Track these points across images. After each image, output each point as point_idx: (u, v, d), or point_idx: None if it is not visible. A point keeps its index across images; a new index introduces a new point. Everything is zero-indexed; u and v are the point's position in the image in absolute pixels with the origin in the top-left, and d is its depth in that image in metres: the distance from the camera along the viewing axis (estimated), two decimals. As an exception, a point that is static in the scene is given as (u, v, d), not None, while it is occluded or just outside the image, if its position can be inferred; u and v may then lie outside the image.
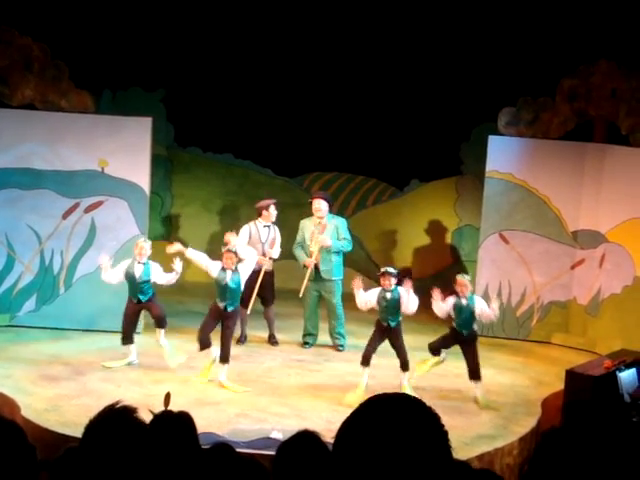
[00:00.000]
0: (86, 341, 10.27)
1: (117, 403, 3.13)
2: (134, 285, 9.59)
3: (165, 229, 14.16)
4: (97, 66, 12.58)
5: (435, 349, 9.25)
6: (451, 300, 9.16)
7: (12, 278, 10.95)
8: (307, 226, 10.81)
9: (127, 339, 9.64)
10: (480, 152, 12.00)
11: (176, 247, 9.41)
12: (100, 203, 10.90)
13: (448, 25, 12.73)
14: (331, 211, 10.91)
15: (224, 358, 9.17)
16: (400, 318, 9.24)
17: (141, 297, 9.63)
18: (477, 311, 9.12)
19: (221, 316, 9.28)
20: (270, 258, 10.67)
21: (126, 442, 3.01)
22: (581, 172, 11.51)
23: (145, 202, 10.98)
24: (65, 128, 10.83)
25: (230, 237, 9.44)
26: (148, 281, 9.61)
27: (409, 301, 9.08)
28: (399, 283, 9.11)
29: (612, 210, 11.22)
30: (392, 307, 9.10)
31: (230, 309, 9.30)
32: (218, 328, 9.35)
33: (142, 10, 12.93)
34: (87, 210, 10.91)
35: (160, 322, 9.65)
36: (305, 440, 3.28)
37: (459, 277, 9.26)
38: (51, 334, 10.62)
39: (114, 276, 9.62)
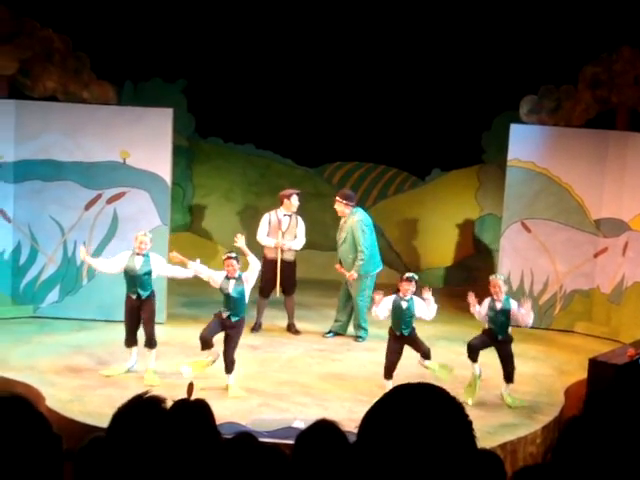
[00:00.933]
0: (109, 331, 10.30)
1: (146, 393, 3.13)
2: (134, 278, 9.06)
3: (187, 220, 14.20)
4: (118, 57, 12.61)
5: (474, 350, 8.94)
6: (487, 303, 9.00)
7: (35, 269, 11.02)
8: (340, 225, 10.90)
9: (130, 341, 9.19)
10: (502, 141, 11.96)
11: (177, 257, 9.04)
12: (122, 194, 10.94)
13: (471, 13, 12.68)
14: (357, 205, 10.92)
15: (228, 369, 8.80)
16: (413, 325, 9.08)
17: (141, 292, 9.09)
18: (513, 314, 8.96)
19: (224, 325, 8.91)
20: (289, 249, 10.68)
21: (153, 432, 3.01)
22: (604, 160, 11.44)
23: (167, 193, 11.01)
24: (87, 119, 10.87)
25: (239, 239, 9.13)
26: (149, 273, 9.12)
27: (429, 309, 8.98)
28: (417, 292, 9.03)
29: (635, 198, 11.15)
30: (406, 317, 8.99)
31: (234, 319, 8.89)
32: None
33: (164, 1, 12.95)
34: (109, 201, 10.95)
35: (149, 338, 9.12)
36: (323, 429, 3.28)
37: (492, 278, 9.08)
38: (74, 325, 10.68)
39: (111, 265, 9.17)
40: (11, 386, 8.84)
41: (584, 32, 11.68)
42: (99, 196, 10.94)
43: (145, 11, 12.86)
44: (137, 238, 9.14)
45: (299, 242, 10.79)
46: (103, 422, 8.07)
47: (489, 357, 9.14)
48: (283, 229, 10.74)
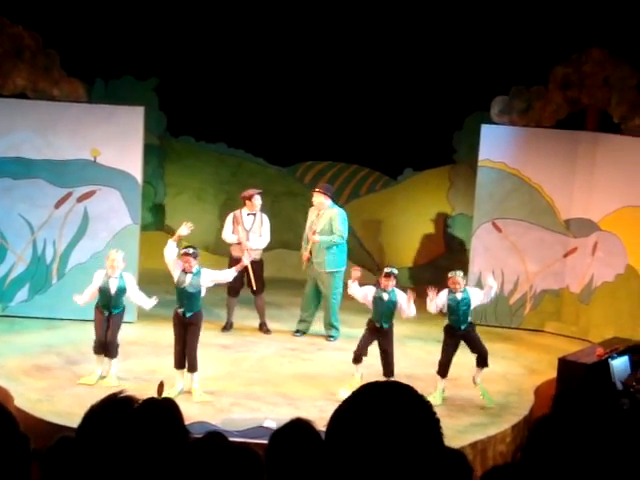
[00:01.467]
0: (79, 331, 10.22)
1: (120, 392, 3.10)
2: (108, 298, 8.99)
3: (158, 218, 14.13)
4: (89, 54, 12.53)
5: (446, 364, 8.95)
6: (443, 296, 9.06)
7: (4, 268, 10.93)
8: (310, 217, 10.86)
9: (99, 348, 9.02)
10: (473, 141, 12.01)
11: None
12: (92, 192, 10.88)
13: (441, 14, 12.70)
14: (335, 202, 10.92)
15: (191, 367, 8.68)
16: (393, 321, 9.13)
17: (113, 310, 9.04)
18: (475, 301, 9.05)
19: (182, 323, 8.81)
20: (254, 249, 10.62)
21: (123, 432, 2.99)
22: (574, 160, 11.51)
23: (137, 191, 10.96)
24: (57, 117, 10.80)
25: (182, 228, 9.11)
26: (123, 293, 9.11)
27: (410, 307, 9.02)
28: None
29: (604, 198, 11.23)
30: (388, 309, 9.04)
31: (188, 315, 8.79)
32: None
33: (134, -2, 12.89)
34: (79, 199, 10.88)
35: (111, 349, 9.01)
36: (298, 428, 3.28)
37: (451, 274, 9.14)
38: (44, 324, 10.61)
39: (89, 294, 9.10)
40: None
41: (554, 33, 11.74)
42: (69, 194, 10.86)
43: (116, 8, 12.78)
44: (109, 257, 9.08)
45: (264, 240, 10.77)
46: (72, 422, 8.03)
47: (458, 356, 9.17)
48: (247, 228, 10.73)
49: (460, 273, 9.21)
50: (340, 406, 2.22)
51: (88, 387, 8.64)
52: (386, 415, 2.09)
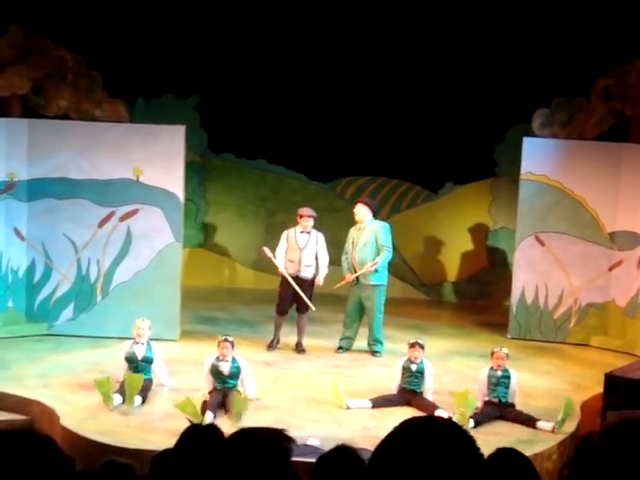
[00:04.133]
0: (122, 348, 10.28)
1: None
2: (135, 365, 8.98)
3: (200, 236, 14.22)
4: (130, 75, 12.68)
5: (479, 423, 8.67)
6: (485, 373, 8.95)
7: (50, 287, 11.04)
8: (351, 233, 10.82)
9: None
10: (514, 154, 11.93)
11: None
12: (135, 211, 10.96)
13: (483, 26, 12.68)
14: (375, 217, 10.87)
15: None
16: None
17: (144, 376, 8.91)
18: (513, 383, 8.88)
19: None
20: (284, 273, 10.63)
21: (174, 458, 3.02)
22: (617, 173, 11.40)
23: (179, 210, 11.02)
24: (100, 137, 10.90)
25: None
26: (151, 362, 9.08)
27: (430, 385, 9.01)
28: None
29: (649, 210, 11.11)
30: (417, 378, 8.97)
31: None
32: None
33: (175, 18, 13.01)
34: (122, 218, 10.97)
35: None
36: (342, 454, 3.25)
37: (496, 350, 9.00)
38: (89, 342, 10.68)
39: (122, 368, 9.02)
40: (26, 405, 8.85)
41: (597, 44, 11.66)
42: (112, 213, 10.96)
43: (157, 28, 12.92)
44: (136, 325, 9.15)
45: (324, 263, 10.74)
46: (117, 441, 8.12)
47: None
48: (301, 246, 10.72)
49: (505, 349, 9.06)
50: (384, 439, 2.20)
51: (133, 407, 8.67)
52: (429, 449, 2.07)
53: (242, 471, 2.75)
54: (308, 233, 10.73)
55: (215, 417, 8.32)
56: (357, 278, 10.67)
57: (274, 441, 2.83)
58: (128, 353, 9.08)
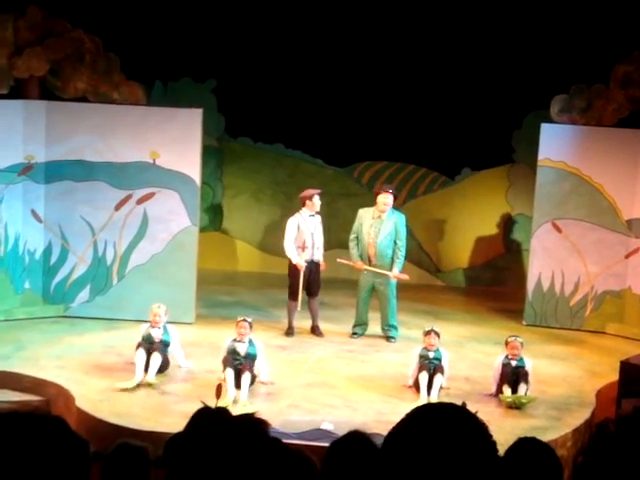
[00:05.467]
0: (139, 331, 10.31)
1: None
2: (151, 345, 9.05)
3: (216, 219, 14.23)
4: (148, 57, 12.67)
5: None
6: (499, 360, 8.94)
7: (66, 269, 11.08)
8: (365, 217, 10.73)
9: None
10: (532, 140, 11.87)
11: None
12: (152, 195, 10.98)
13: (503, 12, 12.60)
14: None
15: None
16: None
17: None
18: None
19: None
20: (302, 266, 10.63)
21: (181, 442, 3.03)
22: (635, 160, 11.33)
23: (196, 193, 11.03)
24: (117, 120, 10.91)
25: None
26: (168, 344, 9.17)
27: (446, 372, 9.00)
28: None
29: (668, 198, 11.04)
30: (434, 365, 8.91)
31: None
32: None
33: (193, 1, 12.98)
34: (139, 201, 10.99)
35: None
36: (355, 440, 3.25)
37: (511, 339, 8.99)
38: (105, 324, 10.73)
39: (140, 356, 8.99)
40: (42, 386, 8.91)
41: (616, 30, 11.57)
42: (129, 196, 10.98)
43: (175, 11, 12.90)
44: (152, 310, 9.21)
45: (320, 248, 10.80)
46: (132, 422, 8.16)
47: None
48: (311, 230, 10.70)
49: (520, 339, 9.03)
50: (396, 426, 2.20)
51: (148, 389, 8.71)
52: (440, 437, 2.07)
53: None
54: (313, 216, 10.71)
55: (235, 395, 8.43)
56: (372, 265, 10.66)
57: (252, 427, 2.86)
58: (145, 334, 9.13)
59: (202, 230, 12.25)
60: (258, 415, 3.41)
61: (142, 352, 8.96)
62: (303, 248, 10.63)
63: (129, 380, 8.75)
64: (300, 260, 10.60)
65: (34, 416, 2.66)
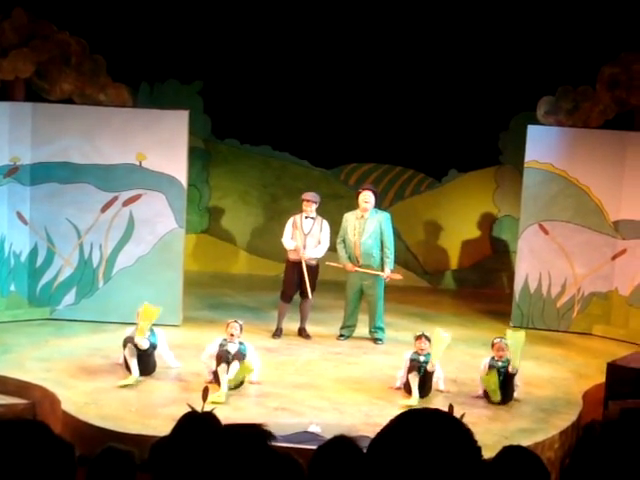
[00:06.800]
0: (125, 334, 10.29)
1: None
2: (139, 352, 9.02)
3: (203, 221, 14.20)
4: (134, 59, 12.64)
5: None
6: (486, 362, 8.91)
7: (52, 272, 11.03)
8: (350, 220, 10.72)
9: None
10: (519, 142, 11.89)
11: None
12: (138, 196, 10.94)
13: (488, 13, 12.62)
14: (375, 205, 10.81)
15: None
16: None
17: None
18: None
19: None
20: (306, 258, 10.58)
21: (169, 445, 3.01)
22: (622, 161, 11.35)
23: (182, 195, 11.00)
24: (103, 122, 10.87)
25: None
26: (155, 347, 9.14)
27: (440, 375, 9.00)
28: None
29: (654, 200, 11.06)
30: (424, 367, 8.85)
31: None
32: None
33: (179, 3, 12.95)
34: (125, 203, 10.95)
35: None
36: (341, 445, 3.24)
37: (497, 340, 8.96)
38: (91, 327, 10.68)
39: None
40: (27, 389, 8.86)
41: (602, 32, 11.60)
42: (115, 198, 10.93)
43: (160, 13, 12.88)
44: (140, 313, 9.18)
45: (321, 248, 10.71)
46: (118, 426, 8.12)
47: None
48: (305, 232, 10.70)
49: (505, 340, 8.95)
50: (381, 430, 2.18)
51: (134, 391, 8.68)
52: (424, 442, 2.05)
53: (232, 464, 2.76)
54: (312, 219, 10.71)
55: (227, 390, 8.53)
56: (359, 266, 10.64)
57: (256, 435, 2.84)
58: (130, 337, 9.08)
59: (189, 232, 12.22)
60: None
61: (132, 347, 8.94)
62: (295, 248, 10.63)
63: (123, 379, 8.81)
64: (292, 245, 10.59)
65: (16, 422, 2.63)
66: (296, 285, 10.68)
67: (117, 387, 8.74)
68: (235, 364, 8.74)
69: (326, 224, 10.76)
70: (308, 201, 10.70)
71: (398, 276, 10.78)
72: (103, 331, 10.50)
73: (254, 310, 11.80)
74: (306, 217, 10.71)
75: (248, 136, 14.00)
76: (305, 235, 10.65)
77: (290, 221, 10.79)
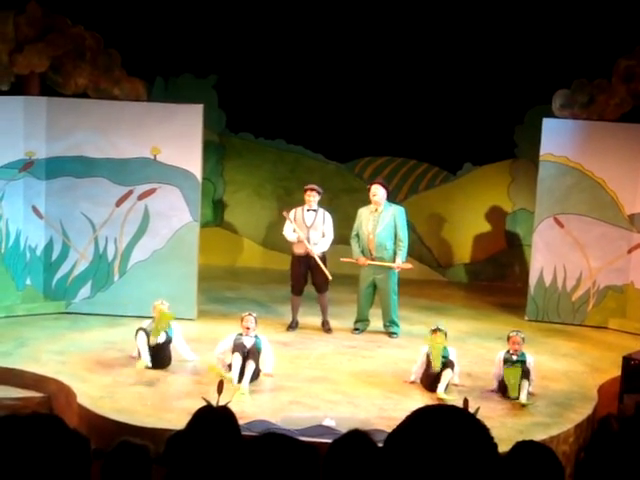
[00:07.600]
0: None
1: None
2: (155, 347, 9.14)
3: (217, 215, 14.22)
4: (149, 53, 12.66)
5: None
6: (500, 356, 8.87)
7: (67, 266, 11.07)
8: (364, 214, 10.70)
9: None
10: (534, 135, 11.84)
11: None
12: (153, 190, 10.96)
13: (505, 6, 12.57)
14: (388, 199, 10.78)
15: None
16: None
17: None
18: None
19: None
20: (316, 251, 10.55)
21: (183, 440, 3.01)
22: (637, 154, 11.29)
23: (197, 189, 11.01)
24: (118, 116, 10.90)
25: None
26: (170, 341, 9.22)
27: (457, 369, 8.94)
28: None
29: (670, 193, 11.01)
30: (442, 361, 8.81)
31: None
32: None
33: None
34: (140, 197, 10.98)
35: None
36: (356, 439, 3.23)
37: (513, 334, 8.91)
38: (106, 321, 10.72)
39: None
40: (43, 383, 8.90)
41: (618, 25, 11.53)
42: (130, 192, 10.96)
43: (175, 7, 12.88)
44: (155, 308, 9.28)
45: (326, 241, 10.68)
46: (133, 419, 8.15)
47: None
48: (308, 224, 10.66)
49: (521, 334, 8.94)
50: (397, 426, 2.18)
51: (150, 385, 8.70)
52: (440, 438, 2.05)
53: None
54: (314, 211, 10.67)
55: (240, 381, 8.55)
56: (372, 258, 10.63)
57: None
58: (144, 328, 9.15)
59: (203, 226, 12.23)
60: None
61: (143, 334, 9.07)
62: (299, 241, 10.61)
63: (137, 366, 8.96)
64: (294, 237, 10.58)
65: (31, 417, 2.65)
66: (304, 278, 10.67)
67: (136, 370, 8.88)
68: (251, 364, 8.72)
69: (328, 215, 10.73)
70: (312, 190, 10.66)
71: (409, 265, 10.75)
72: (118, 325, 10.54)
73: (268, 303, 11.81)
74: (308, 210, 10.66)
75: (262, 130, 14.01)
76: (308, 228, 10.62)
77: (291, 215, 10.72)
